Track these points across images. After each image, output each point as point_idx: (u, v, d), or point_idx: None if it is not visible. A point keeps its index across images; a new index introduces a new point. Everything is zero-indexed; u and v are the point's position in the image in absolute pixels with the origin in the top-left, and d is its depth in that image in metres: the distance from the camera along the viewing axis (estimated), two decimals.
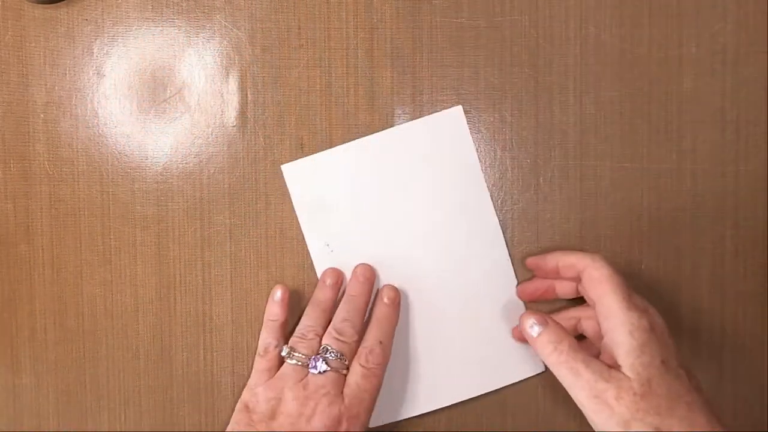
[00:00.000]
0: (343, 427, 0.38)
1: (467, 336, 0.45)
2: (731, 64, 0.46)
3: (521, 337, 0.42)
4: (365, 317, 0.44)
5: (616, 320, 0.36)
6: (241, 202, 0.46)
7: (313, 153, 0.46)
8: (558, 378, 0.37)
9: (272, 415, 0.39)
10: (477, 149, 0.46)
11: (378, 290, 0.45)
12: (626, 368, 0.35)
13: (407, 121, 0.46)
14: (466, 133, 0.46)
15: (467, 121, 0.46)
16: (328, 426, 0.38)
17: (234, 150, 0.46)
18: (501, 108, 0.46)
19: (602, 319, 0.38)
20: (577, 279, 0.41)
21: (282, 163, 0.46)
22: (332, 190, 0.45)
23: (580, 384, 0.35)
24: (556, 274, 0.43)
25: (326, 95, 0.46)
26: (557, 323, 0.39)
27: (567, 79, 0.46)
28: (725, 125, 0.46)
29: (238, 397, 0.43)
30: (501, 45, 0.46)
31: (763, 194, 0.46)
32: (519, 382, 0.45)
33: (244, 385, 0.43)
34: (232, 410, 0.43)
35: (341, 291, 0.45)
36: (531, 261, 0.45)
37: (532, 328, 0.39)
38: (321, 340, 0.42)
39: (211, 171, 0.46)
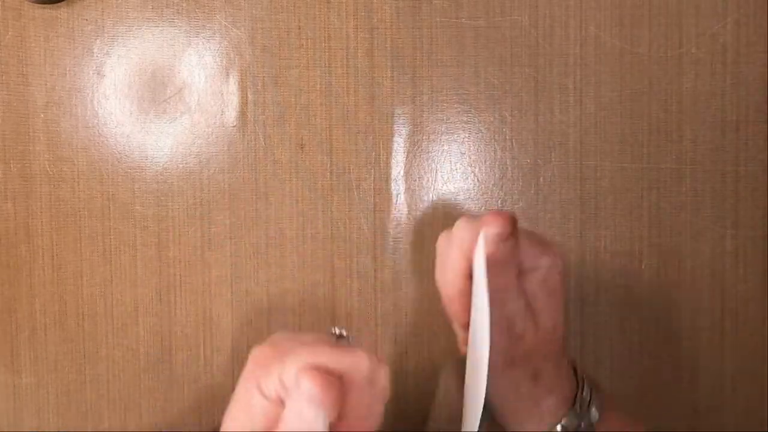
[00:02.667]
0: None
1: None
2: (731, 64, 0.46)
3: None
4: None
5: (545, 256, 0.34)
6: (241, 202, 0.46)
7: (311, 152, 0.46)
8: None
9: None
10: (480, 167, 0.46)
11: None
12: None
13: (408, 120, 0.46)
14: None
15: (467, 119, 0.46)
16: None
17: (234, 150, 0.46)
18: (501, 108, 0.46)
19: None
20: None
21: (282, 163, 0.46)
22: None
23: None
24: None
25: (326, 95, 0.46)
26: None
27: (567, 79, 0.46)
28: (725, 125, 0.46)
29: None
30: (501, 45, 0.46)
31: (763, 194, 0.46)
32: None
33: None
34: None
35: None
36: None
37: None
38: None
39: (211, 171, 0.46)
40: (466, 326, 0.34)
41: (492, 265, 0.31)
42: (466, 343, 0.34)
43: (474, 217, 0.34)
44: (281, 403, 0.28)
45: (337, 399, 0.27)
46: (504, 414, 0.34)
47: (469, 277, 0.33)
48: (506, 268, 0.32)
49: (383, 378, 0.30)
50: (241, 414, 0.29)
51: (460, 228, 0.34)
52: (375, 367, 0.29)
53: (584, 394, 0.34)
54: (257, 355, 0.30)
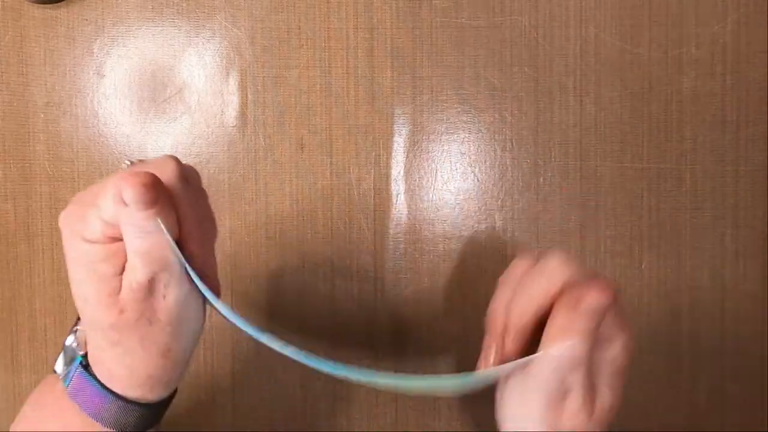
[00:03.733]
0: None
1: None
2: (731, 64, 0.46)
3: None
4: None
5: (616, 338, 0.30)
6: (241, 202, 0.46)
7: (311, 152, 0.46)
8: None
9: None
10: (480, 167, 0.46)
11: None
12: None
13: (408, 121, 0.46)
14: None
15: (467, 119, 0.46)
16: None
17: (234, 150, 0.46)
18: (501, 108, 0.46)
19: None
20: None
21: (282, 163, 0.46)
22: None
23: None
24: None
25: (326, 95, 0.46)
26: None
27: (567, 79, 0.46)
28: (725, 125, 0.46)
29: (238, 397, 0.43)
30: (501, 45, 0.46)
31: (763, 194, 0.46)
32: None
33: (244, 386, 0.43)
34: (232, 410, 0.43)
35: None
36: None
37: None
38: None
39: (211, 171, 0.46)
40: (502, 351, 0.31)
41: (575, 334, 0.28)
42: (487, 365, 0.31)
43: (576, 263, 0.30)
44: (111, 239, 0.27)
45: (161, 193, 0.26)
46: None
47: (539, 315, 0.30)
48: (588, 339, 0.28)
49: (195, 175, 0.30)
50: (82, 272, 0.28)
51: (558, 265, 0.30)
52: (181, 165, 0.28)
53: None
54: (65, 218, 0.28)
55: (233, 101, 0.46)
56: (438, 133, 0.46)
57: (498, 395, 0.32)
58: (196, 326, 0.31)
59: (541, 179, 0.46)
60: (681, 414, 0.47)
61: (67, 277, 0.46)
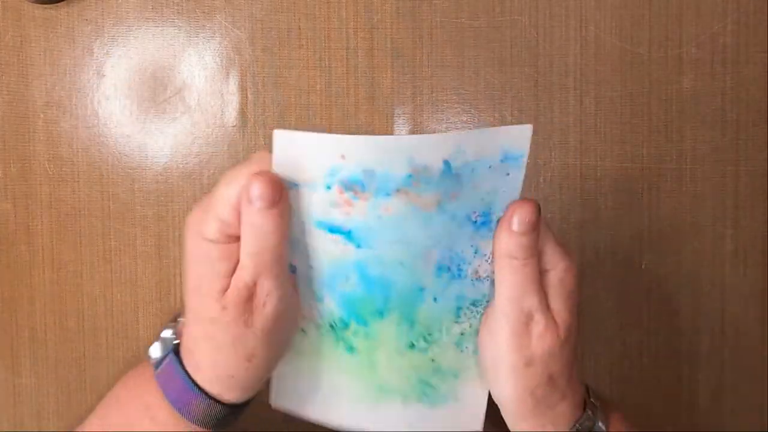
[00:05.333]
0: None
1: None
2: (731, 64, 0.46)
3: None
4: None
5: (558, 264, 0.32)
6: None
7: None
8: None
9: None
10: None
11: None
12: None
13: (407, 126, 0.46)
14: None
15: (467, 119, 0.46)
16: None
17: (234, 150, 0.46)
18: (501, 108, 0.46)
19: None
20: None
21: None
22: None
23: None
24: None
25: (326, 95, 0.46)
26: None
27: (567, 79, 0.46)
28: (725, 125, 0.46)
29: None
30: (501, 45, 0.46)
31: (763, 194, 0.46)
32: None
33: None
34: None
35: None
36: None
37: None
38: None
39: (211, 171, 0.46)
40: None
41: (517, 254, 0.30)
42: None
43: None
44: (229, 238, 0.29)
45: (284, 194, 0.28)
46: (515, 414, 0.33)
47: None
48: (530, 260, 0.31)
49: None
50: (202, 267, 0.30)
51: None
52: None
53: (592, 399, 0.34)
54: (189, 219, 0.30)
55: (233, 101, 0.46)
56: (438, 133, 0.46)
57: (479, 348, 0.33)
58: (285, 339, 0.33)
59: (541, 179, 0.46)
60: (681, 414, 0.47)
61: (67, 277, 0.46)
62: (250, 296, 0.30)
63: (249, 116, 0.46)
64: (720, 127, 0.46)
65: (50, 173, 0.46)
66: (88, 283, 0.47)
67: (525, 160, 0.31)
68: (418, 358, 0.34)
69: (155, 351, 0.33)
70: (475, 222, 0.32)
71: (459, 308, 0.33)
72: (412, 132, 0.46)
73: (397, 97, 0.46)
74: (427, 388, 0.35)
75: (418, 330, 0.34)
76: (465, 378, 0.35)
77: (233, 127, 0.46)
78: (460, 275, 0.33)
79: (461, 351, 0.34)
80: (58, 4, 0.45)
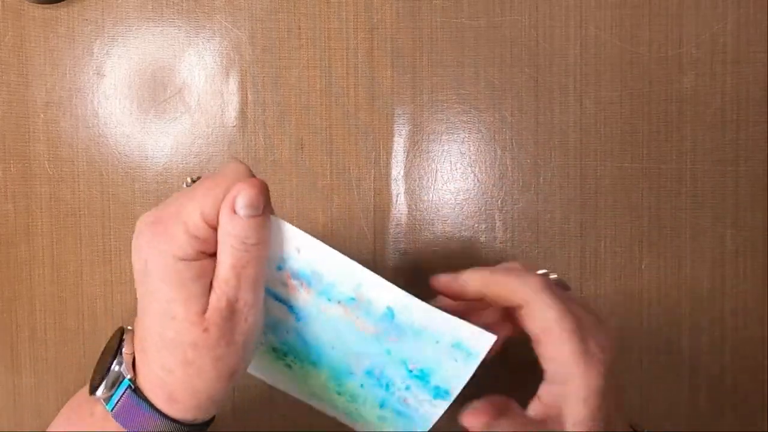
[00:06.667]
0: None
1: None
2: (731, 64, 0.46)
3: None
4: None
5: (570, 381, 0.30)
6: None
7: (312, 152, 0.46)
8: None
9: None
10: (480, 167, 0.46)
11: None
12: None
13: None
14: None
15: (467, 119, 0.46)
16: None
17: (234, 150, 0.46)
18: (501, 108, 0.46)
19: (550, 361, 0.31)
20: (512, 308, 0.32)
21: (282, 163, 0.46)
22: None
23: None
24: (481, 302, 0.33)
25: (326, 95, 0.46)
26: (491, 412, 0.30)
27: (567, 79, 0.46)
28: (725, 125, 0.46)
29: (238, 397, 0.43)
30: (501, 45, 0.46)
31: (763, 194, 0.46)
32: None
33: (244, 387, 0.43)
34: (232, 411, 0.43)
35: None
36: (440, 282, 0.34)
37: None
38: None
39: (211, 171, 0.46)
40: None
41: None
42: None
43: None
44: (202, 255, 0.27)
45: (268, 201, 0.28)
46: None
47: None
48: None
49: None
50: (173, 291, 0.27)
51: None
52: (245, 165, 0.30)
53: None
54: (149, 241, 0.28)
55: (233, 101, 0.46)
56: (438, 133, 0.46)
57: None
58: (253, 350, 0.31)
59: (541, 179, 0.46)
60: (681, 414, 0.47)
61: (67, 277, 0.46)
62: (232, 314, 0.28)
63: (249, 116, 0.46)
64: (720, 127, 0.46)
65: (50, 173, 0.46)
66: (88, 283, 0.47)
67: (476, 363, 0.30)
68: (346, 398, 0.35)
69: (101, 390, 0.30)
70: (411, 371, 0.32)
71: (383, 403, 0.33)
72: (412, 132, 0.46)
73: (397, 97, 0.46)
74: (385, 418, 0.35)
75: (345, 391, 0.34)
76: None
77: (233, 127, 0.46)
78: (387, 389, 0.33)
79: (383, 422, 0.34)
80: (58, 4, 0.45)
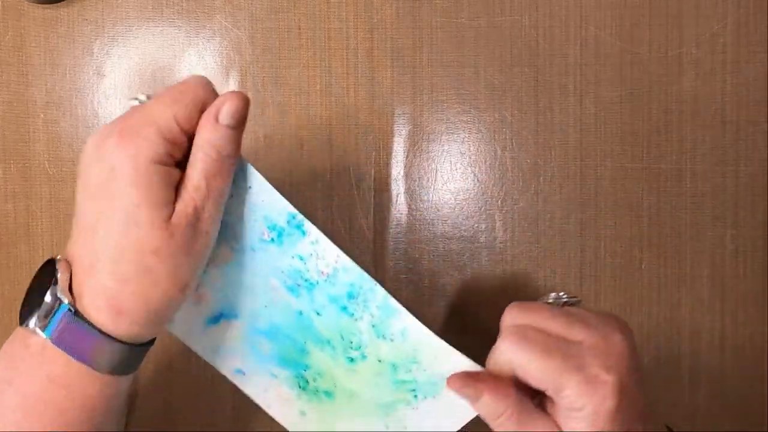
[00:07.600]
0: None
1: None
2: (731, 64, 0.46)
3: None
4: None
5: (583, 408, 0.30)
6: None
7: (312, 152, 0.46)
8: None
9: None
10: (480, 167, 0.46)
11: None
12: None
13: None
14: None
15: (467, 119, 0.46)
16: None
17: None
18: (501, 108, 0.46)
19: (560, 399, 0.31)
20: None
21: (282, 163, 0.46)
22: None
23: None
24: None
25: (326, 95, 0.46)
26: (493, 384, 0.31)
27: (567, 79, 0.46)
28: (725, 125, 0.46)
29: (238, 397, 0.43)
30: (501, 45, 0.46)
31: (763, 194, 0.46)
32: None
33: None
34: (232, 411, 0.43)
35: None
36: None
37: (467, 397, 0.32)
38: None
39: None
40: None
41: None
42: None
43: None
44: (173, 160, 0.28)
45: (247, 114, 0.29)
46: None
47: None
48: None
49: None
50: (140, 196, 0.27)
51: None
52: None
53: None
54: (120, 141, 0.27)
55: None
56: (438, 133, 0.46)
57: None
58: (203, 268, 0.31)
59: (541, 179, 0.46)
60: (681, 414, 0.47)
61: None
62: (197, 221, 0.28)
63: (249, 116, 0.46)
64: (720, 127, 0.46)
65: (50, 173, 0.46)
66: None
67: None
68: (368, 367, 0.34)
69: (33, 322, 0.30)
70: (272, 240, 0.33)
71: (343, 307, 0.33)
72: (412, 132, 0.46)
73: (397, 97, 0.46)
74: (405, 385, 0.34)
75: (338, 344, 0.34)
76: (424, 358, 0.34)
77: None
78: (309, 284, 0.33)
79: (389, 340, 0.34)
80: (58, 4, 0.45)
